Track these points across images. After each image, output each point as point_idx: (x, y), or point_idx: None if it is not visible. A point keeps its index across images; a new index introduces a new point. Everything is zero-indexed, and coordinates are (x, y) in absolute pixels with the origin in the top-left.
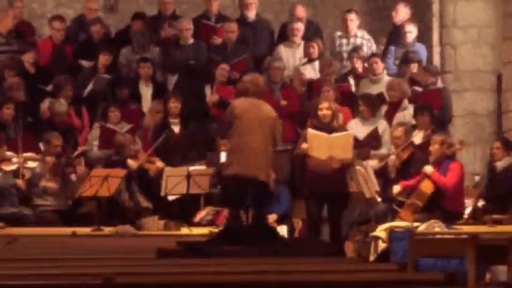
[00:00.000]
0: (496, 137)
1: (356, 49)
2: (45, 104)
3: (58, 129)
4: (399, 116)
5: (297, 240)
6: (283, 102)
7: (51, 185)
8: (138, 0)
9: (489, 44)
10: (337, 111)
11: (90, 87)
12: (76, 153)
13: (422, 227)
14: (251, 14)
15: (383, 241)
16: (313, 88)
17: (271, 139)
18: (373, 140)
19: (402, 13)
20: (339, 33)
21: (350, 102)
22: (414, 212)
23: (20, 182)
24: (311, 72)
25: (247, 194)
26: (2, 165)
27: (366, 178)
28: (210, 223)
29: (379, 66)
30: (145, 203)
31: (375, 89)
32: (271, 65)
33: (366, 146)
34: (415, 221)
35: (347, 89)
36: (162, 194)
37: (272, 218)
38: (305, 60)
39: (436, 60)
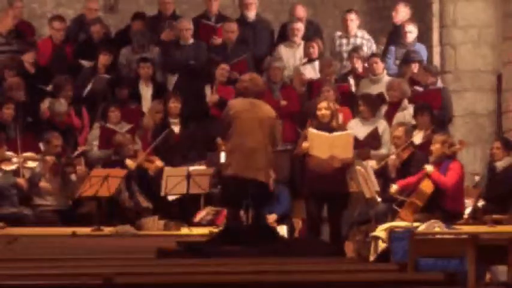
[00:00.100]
0: (496, 137)
1: (356, 49)
2: (45, 104)
3: (58, 129)
4: (399, 116)
5: (297, 240)
6: (283, 102)
7: (47, 185)
8: (138, 0)
9: (489, 44)
10: (337, 111)
11: (90, 87)
12: (76, 153)
13: (422, 227)
14: (251, 14)
15: (383, 241)
16: (313, 88)
17: (271, 139)
18: (373, 140)
19: (402, 13)
20: (339, 33)
21: (350, 102)
22: (414, 212)
23: (21, 181)
24: (311, 72)
25: (247, 194)
26: (2, 165)
27: (366, 178)
28: (210, 223)
29: (379, 66)
30: (145, 203)
31: (375, 89)
32: (271, 65)
33: (366, 146)
34: (415, 221)
35: (347, 89)
36: (162, 194)
37: (272, 218)
38: (305, 60)
39: (436, 60)
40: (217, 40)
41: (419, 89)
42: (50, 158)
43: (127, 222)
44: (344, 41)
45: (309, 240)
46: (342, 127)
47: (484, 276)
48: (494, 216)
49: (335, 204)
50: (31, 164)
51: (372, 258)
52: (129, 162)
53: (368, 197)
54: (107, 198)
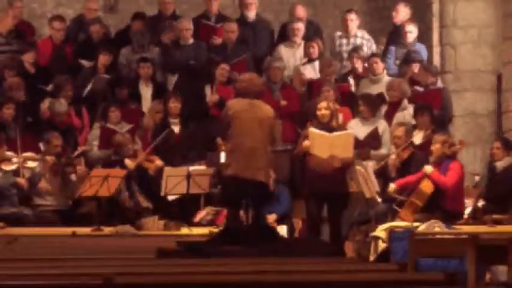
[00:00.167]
0: (496, 137)
1: (356, 49)
2: (45, 104)
3: (58, 129)
4: (399, 116)
5: (297, 240)
6: (283, 102)
7: (47, 185)
8: (138, 0)
9: (489, 44)
10: (336, 111)
11: (90, 87)
12: (76, 153)
13: (422, 227)
14: (251, 14)
15: (383, 241)
16: (313, 88)
17: (271, 139)
18: (373, 140)
19: (402, 13)
20: (339, 33)
21: (350, 102)
22: (414, 212)
23: (21, 181)
24: (311, 72)
25: (247, 194)
26: (2, 165)
27: (366, 178)
28: (210, 223)
29: (379, 66)
30: (145, 203)
31: (374, 89)
32: (271, 65)
33: (366, 146)
34: (415, 221)
35: (347, 89)
36: (162, 194)
37: (272, 218)
38: (305, 60)
39: (436, 60)
40: (217, 40)
41: (420, 89)
42: (50, 158)
43: (127, 222)
44: (344, 41)
45: (309, 240)
46: (342, 127)
47: (484, 276)
48: (494, 216)
49: (335, 204)
50: (31, 164)
51: (372, 258)
52: (128, 162)
53: (368, 197)
54: (107, 198)
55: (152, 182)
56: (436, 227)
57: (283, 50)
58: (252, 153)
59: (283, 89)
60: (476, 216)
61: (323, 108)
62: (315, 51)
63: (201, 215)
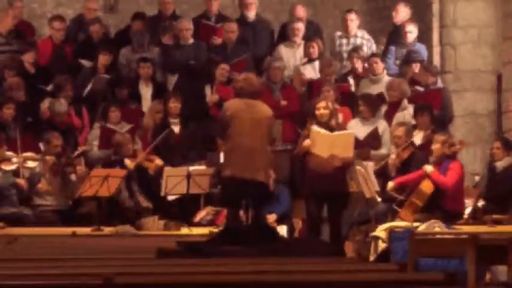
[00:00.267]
0: (496, 137)
1: (356, 49)
2: (45, 104)
3: (58, 129)
4: (399, 116)
5: (297, 240)
6: (283, 102)
7: (45, 186)
8: (138, 0)
9: (489, 44)
10: (336, 111)
11: (90, 87)
12: (76, 153)
13: (422, 227)
14: (251, 14)
15: (383, 241)
16: (313, 88)
17: (270, 139)
18: (373, 140)
19: (402, 13)
20: (339, 33)
21: (350, 102)
22: (414, 212)
23: (21, 181)
24: (311, 72)
25: (247, 194)
26: (2, 165)
27: (366, 178)
28: (210, 223)
29: (379, 66)
30: (145, 203)
31: (374, 89)
32: (271, 65)
33: (366, 146)
34: (415, 221)
35: (347, 89)
36: (162, 194)
37: (272, 218)
38: (305, 60)
39: (436, 60)
40: (217, 40)
41: (420, 89)
42: (50, 158)
43: (127, 222)
44: (344, 41)
45: (309, 240)
46: (341, 127)
47: (484, 276)
48: (494, 216)
49: (335, 204)
50: (31, 164)
51: (372, 258)
52: (128, 162)
53: (368, 197)
54: (107, 198)
55: (152, 182)
56: (436, 227)
57: (283, 50)
58: (251, 154)
59: (283, 89)
60: (476, 216)
61: (322, 107)
62: (315, 51)
63: (201, 215)
